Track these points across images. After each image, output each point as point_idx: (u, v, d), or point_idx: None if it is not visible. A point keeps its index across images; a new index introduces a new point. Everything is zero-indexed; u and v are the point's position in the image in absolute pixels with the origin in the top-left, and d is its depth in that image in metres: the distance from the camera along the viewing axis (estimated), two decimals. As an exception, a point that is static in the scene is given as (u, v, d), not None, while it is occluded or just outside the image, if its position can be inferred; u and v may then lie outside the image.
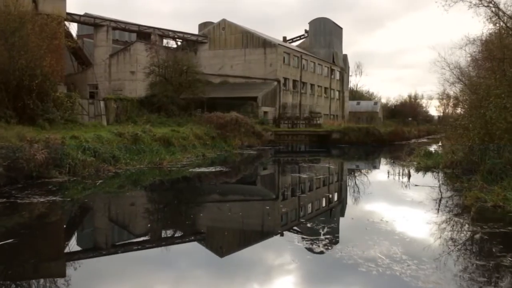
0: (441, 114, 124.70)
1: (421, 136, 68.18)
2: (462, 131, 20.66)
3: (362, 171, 24.89)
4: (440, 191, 15.08)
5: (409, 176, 19.01)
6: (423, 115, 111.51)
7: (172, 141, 26.04)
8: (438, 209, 12.65)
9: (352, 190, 17.34)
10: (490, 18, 17.88)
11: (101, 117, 37.94)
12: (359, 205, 14.17)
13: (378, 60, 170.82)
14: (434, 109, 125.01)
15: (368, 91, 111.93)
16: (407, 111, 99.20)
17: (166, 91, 41.84)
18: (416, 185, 16.89)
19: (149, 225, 11.39)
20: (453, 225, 10.88)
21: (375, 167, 27.78)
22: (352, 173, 24.09)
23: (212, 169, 21.26)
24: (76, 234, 10.88)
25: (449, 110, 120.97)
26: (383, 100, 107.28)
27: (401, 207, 13.09)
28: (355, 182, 19.90)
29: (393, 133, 48.91)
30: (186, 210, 13.00)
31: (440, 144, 30.96)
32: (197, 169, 20.89)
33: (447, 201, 13.97)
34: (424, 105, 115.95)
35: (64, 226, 11.44)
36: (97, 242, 10.07)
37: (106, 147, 20.13)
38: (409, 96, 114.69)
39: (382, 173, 22.12)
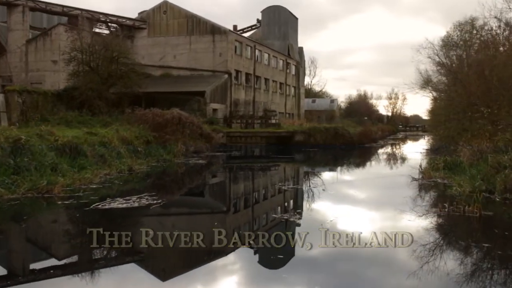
0: (390, 113, 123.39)
1: (384, 136, 62.99)
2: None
3: (378, 204, 14.18)
4: None
5: (480, 215, 10.60)
6: (375, 114, 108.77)
7: (83, 149, 17.90)
8: None
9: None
10: None
11: (-2, 115, 29.05)
12: None
13: (321, 60, 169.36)
14: (383, 108, 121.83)
15: (321, 90, 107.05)
16: (363, 110, 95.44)
17: (91, 82, 33.54)
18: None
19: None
20: None
21: (383, 186, 18.33)
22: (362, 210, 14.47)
23: (133, 201, 12.18)
24: None
25: (398, 109, 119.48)
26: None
27: None
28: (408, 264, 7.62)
29: (362, 134, 42.77)
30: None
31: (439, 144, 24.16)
32: (106, 204, 11.77)
33: None
34: (374, 104, 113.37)
35: None
36: None
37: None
38: (359, 95, 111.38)
39: (417, 205, 12.41)
